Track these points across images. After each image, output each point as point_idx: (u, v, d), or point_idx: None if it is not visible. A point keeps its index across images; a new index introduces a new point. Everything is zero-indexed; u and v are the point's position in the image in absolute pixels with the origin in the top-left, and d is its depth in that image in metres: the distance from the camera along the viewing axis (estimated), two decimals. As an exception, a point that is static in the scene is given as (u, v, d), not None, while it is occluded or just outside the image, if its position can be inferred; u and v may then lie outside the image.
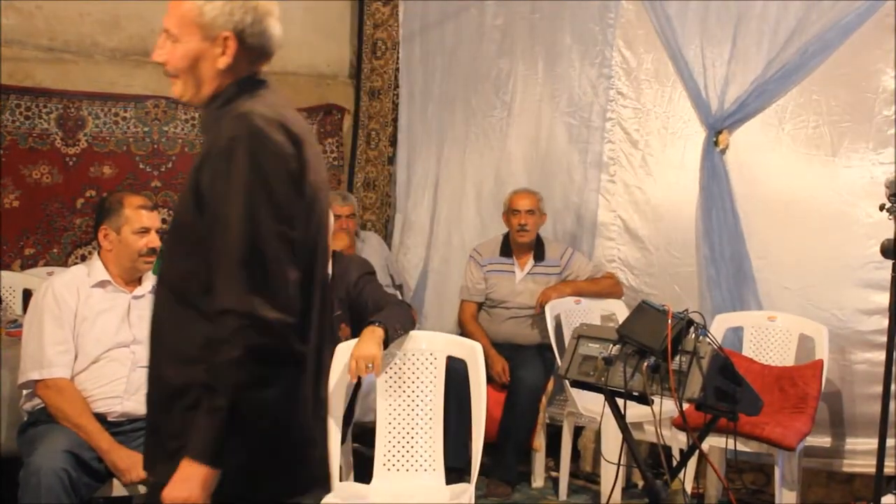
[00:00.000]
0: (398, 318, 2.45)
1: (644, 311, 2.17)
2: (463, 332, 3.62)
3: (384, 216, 4.68)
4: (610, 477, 2.65)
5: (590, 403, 3.11)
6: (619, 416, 2.20)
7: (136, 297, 2.28)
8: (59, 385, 2.12)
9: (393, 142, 4.62)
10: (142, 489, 2.12)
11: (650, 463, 3.08)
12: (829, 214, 3.22)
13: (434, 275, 4.31)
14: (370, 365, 2.28)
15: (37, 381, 2.13)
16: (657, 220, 3.67)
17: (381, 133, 4.66)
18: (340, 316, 2.61)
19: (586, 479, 3.51)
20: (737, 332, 3.35)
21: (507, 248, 3.67)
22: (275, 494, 1.32)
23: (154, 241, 2.27)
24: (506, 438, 3.32)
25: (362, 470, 2.57)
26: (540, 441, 3.43)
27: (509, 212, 3.63)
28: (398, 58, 4.47)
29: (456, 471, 2.81)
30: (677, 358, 2.06)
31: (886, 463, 2.51)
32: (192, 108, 4.22)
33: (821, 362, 3.04)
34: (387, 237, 4.58)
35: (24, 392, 2.21)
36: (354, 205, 3.85)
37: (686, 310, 2.15)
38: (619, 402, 2.19)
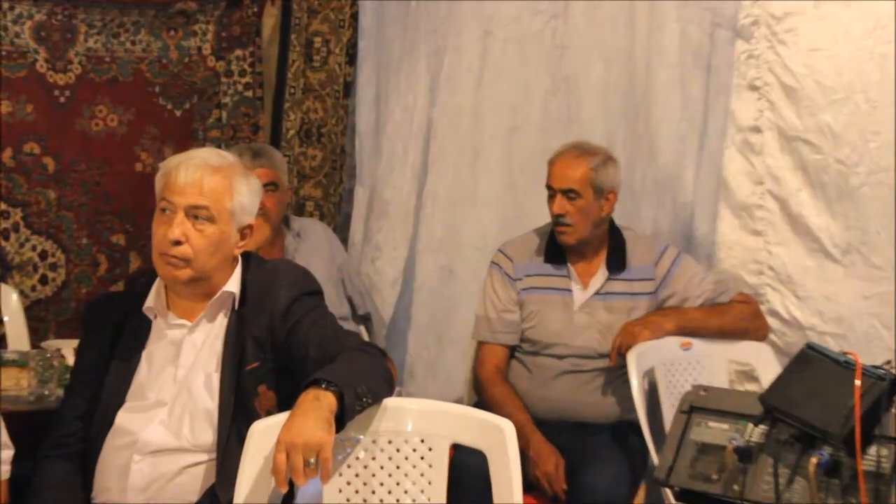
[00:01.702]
0: (362, 375, 2.44)
1: (811, 365, 2.21)
2: (481, 399, 3.63)
3: (336, 191, 4.68)
4: None
5: (711, 532, 3.10)
6: (767, 556, 2.21)
7: None
8: None
9: (352, 57, 4.61)
10: None
11: None
12: None
13: (427, 297, 4.35)
14: (312, 461, 2.26)
15: None
16: (844, 198, 3.67)
17: (331, 41, 4.66)
18: (258, 370, 2.61)
19: None
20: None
21: (557, 248, 3.68)
22: None
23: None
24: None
25: None
26: None
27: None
28: None
29: None
30: (873, 450, 2.07)
31: None
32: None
33: None
34: (339, 229, 4.58)
35: None
36: (278, 167, 3.84)
37: (889, 361, 2.15)
38: (767, 528, 2.19)
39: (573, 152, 3.63)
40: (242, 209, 2.64)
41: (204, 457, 2.56)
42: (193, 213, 2.57)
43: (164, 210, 2.59)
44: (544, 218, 3.73)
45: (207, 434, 2.57)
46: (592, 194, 3.57)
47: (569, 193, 3.55)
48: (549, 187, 3.61)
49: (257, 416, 2.49)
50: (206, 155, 2.67)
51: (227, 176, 2.63)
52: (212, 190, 2.59)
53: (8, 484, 2.57)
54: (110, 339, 2.68)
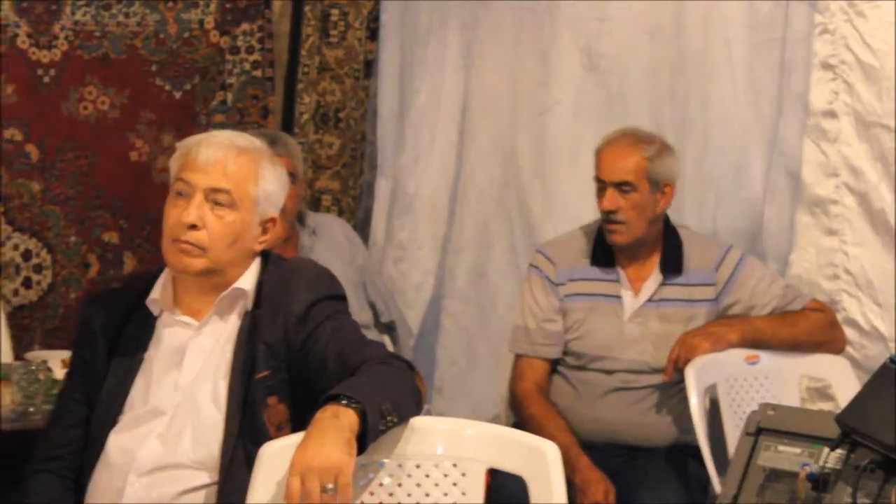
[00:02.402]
0: (387, 390, 2.44)
1: (894, 381, 2.19)
2: (519, 418, 3.65)
3: (356, 183, 4.69)
4: None
5: (780, 570, 3.10)
6: None
7: None
8: None
9: (374, 31, 4.63)
10: None
11: None
12: None
13: (457, 303, 4.36)
14: (330, 486, 2.26)
15: None
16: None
17: (349, 13, 4.66)
18: (268, 380, 2.62)
19: None
20: None
21: (606, 249, 3.70)
22: None
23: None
24: None
25: None
26: None
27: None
28: None
29: None
30: (969, 477, 2.05)
31: None
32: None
33: None
34: (359, 226, 4.61)
35: None
36: (294, 155, 3.88)
37: None
38: (845, 567, 2.18)
39: (626, 139, 3.64)
40: (268, 198, 2.66)
41: (206, 478, 2.57)
42: (213, 197, 2.59)
43: (179, 193, 2.61)
44: (574, 214, 3.72)
45: (211, 450, 2.57)
46: (648, 187, 3.59)
47: (622, 186, 3.56)
48: (598, 180, 3.61)
49: (265, 431, 2.51)
50: (231, 134, 2.70)
51: (254, 159, 2.65)
52: (236, 172, 2.61)
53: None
54: (110, 339, 2.70)
